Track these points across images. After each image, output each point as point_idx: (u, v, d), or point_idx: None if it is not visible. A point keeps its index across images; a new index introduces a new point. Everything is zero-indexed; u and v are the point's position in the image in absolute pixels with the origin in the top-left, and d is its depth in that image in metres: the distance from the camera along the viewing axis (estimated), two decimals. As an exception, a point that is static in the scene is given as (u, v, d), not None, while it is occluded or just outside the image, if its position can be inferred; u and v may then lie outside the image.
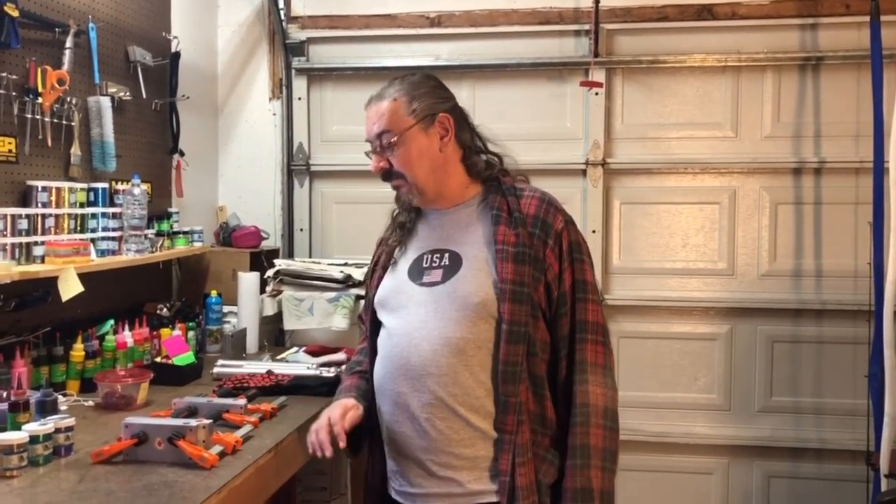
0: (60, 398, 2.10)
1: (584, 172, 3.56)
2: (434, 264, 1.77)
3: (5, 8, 2.18)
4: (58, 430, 1.79)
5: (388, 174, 1.79)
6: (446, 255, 1.77)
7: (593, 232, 3.53)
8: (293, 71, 3.74)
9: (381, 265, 1.88)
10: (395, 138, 1.74)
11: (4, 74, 2.27)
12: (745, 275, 3.52)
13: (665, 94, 3.54)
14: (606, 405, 1.69)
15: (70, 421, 1.84)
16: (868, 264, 3.08)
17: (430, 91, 1.79)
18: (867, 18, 3.14)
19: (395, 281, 1.81)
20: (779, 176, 3.48)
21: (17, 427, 1.78)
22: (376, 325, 1.85)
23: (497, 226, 1.73)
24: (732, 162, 3.50)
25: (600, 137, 3.54)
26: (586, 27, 3.48)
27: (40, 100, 2.40)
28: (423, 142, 1.75)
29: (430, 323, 1.72)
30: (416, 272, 1.78)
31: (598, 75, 3.46)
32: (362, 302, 3.07)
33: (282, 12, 3.70)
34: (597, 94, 3.49)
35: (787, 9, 3.40)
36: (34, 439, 1.72)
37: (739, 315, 3.51)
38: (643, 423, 3.55)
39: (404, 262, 1.82)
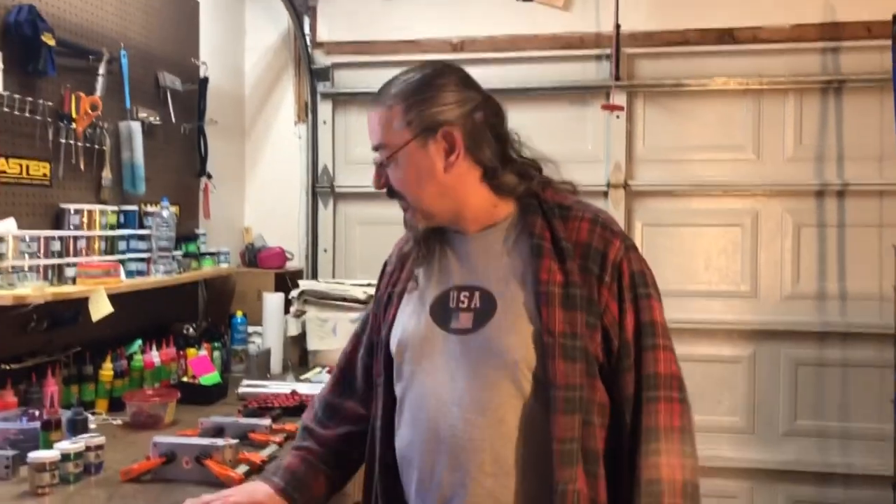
0: (90, 417, 2.15)
1: (605, 194, 3.58)
2: (462, 305, 1.38)
3: (43, 37, 2.25)
4: (88, 449, 1.83)
5: (390, 192, 1.43)
6: (476, 293, 1.38)
7: (615, 254, 3.54)
8: (318, 95, 3.81)
9: (397, 292, 1.48)
10: (387, 154, 1.39)
11: (41, 101, 2.34)
12: (768, 297, 3.51)
13: (687, 116, 3.56)
14: (685, 478, 1.31)
15: (100, 439, 1.88)
16: (893, 287, 3.06)
17: (433, 96, 1.37)
18: (889, 42, 3.15)
19: (418, 322, 1.41)
20: (801, 198, 3.48)
21: (49, 445, 1.83)
22: (390, 370, 1.46)
23: (539, 259, 1.34)
24: (755, 184, 3.50)
25: (622, 159, 3.56)
26: (607, 52, 3.51)
27: (74, 125, 2.47)
28: (422, 161, 1.36)
29: (461, 383, 1.35)
30: (442, 313, 1.39)
31: (620, 98, 3.49)
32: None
33: (307, 38, 3.78)
34: (618, 116, 3.52)
35: (808, 33, 3.41)
36: (66, 457, 1.77)
37: (763, 338, 3.50)
38: (666, 446, 3.53)
39: (426, 298, 1.42)
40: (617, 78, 3.48)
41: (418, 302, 1.43)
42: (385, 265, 1.56)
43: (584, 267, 1.34)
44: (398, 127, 1.37)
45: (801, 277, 3.49)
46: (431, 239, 1.45)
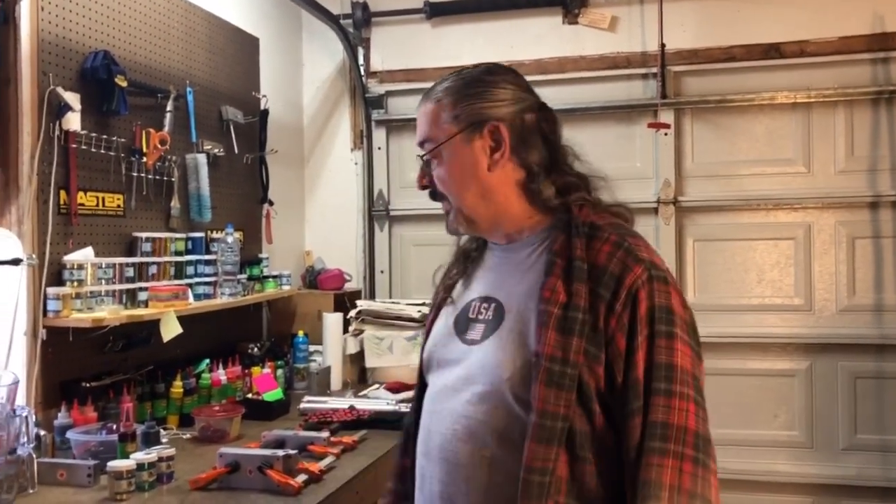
0: (162, 431, 2.29)
1: (655, 211, 3.62)
2: (479, 316, 1.34)
3: (116, 80, 2.44)
4: (160, 459, 1.97)
5: (433, 193, 1.39)
6: (493, 305, 1.32)
7: (666, 269, 3.57)
8: (373, 122, 3.96)
9: (437, 303, 1.47)
10: (436, 150, 1.34)
11: (114, 138, 2.52)
12: (823, 310, 3.49)
13: (735, 131, 3.58)
14: None
15: (171, 451, 2.02)
16: (948, 298, 3.02)
17: (483, 91, 1.33)
18: (939, 50, 3.13)
19: (444, 331, 1.40)
20: (855, 210, 3.46)
21: (126, 456, 1.97)
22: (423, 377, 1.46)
23: (548, 276, 1.25)
24: (806, 197, 3.49)
25: (671, 176, 3.59)
26: (653, 70, 3.56)
27: (145, 159, 2.65)
28: (466, 156, 1.32)
29: (459, 393, 1.30)
30: (463, 323, 1.36)
31: (666, 116, 3.54)
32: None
33: (361, 68, 3.93)
34: (666, 134, 3.56)
35: (856, 44, 3.40)
36: (140, 467, 1.91)
37: (819, 351, 3.48)
38: (723, 461, 3.49)
39: (456, 307, 1.40)
40: (664, 96, 3.53)
41: (451, 312, 1.40)
42: (444, 273, 1.50)
43: (594, 291, 1.21)
44: (446, 121, 1.33)
45: (857, 290, 3.46)
46: (471, 252, 1.44)
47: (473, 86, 1.34)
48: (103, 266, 2.42)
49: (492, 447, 1.24)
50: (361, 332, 3.32)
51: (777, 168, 3.54)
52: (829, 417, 3.47)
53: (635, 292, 1.20)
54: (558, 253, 1.26)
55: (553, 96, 3.61)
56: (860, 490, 3.42)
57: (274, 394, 2.77)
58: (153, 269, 2.65)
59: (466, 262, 1.45)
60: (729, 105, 3.55)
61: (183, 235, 2.83)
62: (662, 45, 3.48)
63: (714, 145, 3.60)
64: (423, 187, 1.40)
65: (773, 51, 3.48)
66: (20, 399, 2.03)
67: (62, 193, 2.34)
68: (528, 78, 3.95)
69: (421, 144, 1.38)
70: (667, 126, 3.50)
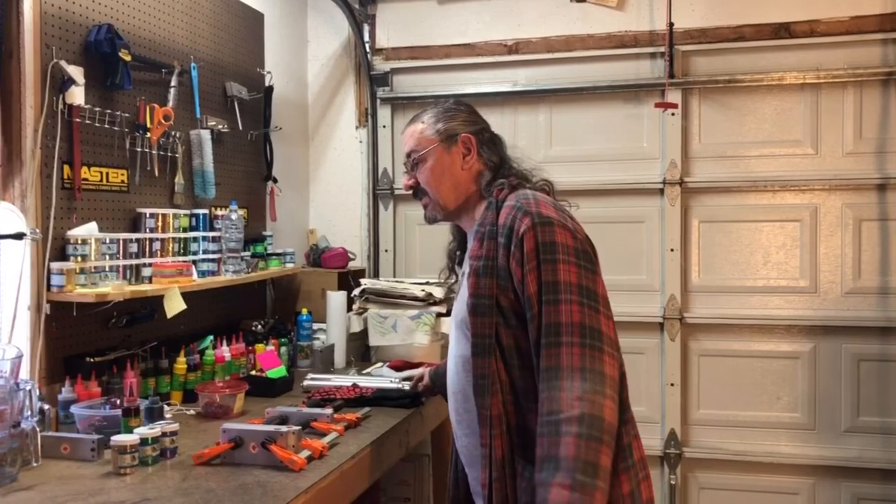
0: (165, 407, 2.29)
1: (661, 191, 3.60)
2: (459, 286, 1.88)
3: (120, 53, 2.42)
4: (164, 434, 1.97)
5: (416, 192, 1.90)
6: (463, 276, 1.86)
7: (671, 250, 3.56)
8: (378, 100, 3.93)
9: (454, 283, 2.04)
10: (419, 156, 1.86)
11: (118, 113, 2.51)
12: (828, 292, 3.48)
13: (742, 112, 3.55)
14: (583, 412, 1.47)
15: (175, 426, 2.02)
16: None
17: (456, 114, 1.88)
18: (951, 31, 3.09)
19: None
20: (862, 192, 3.44)
21: (130, 430, 1.98)
22: None
23: (473, 241, 1.75)
24: (813, 179, 3.47)
25: (677, 157, 3.57)
26: (661, 49, 3.53)
27: (148, 135, 2.64)
28: (445, 159, 1.84)
29: (452, 343, 1.84)
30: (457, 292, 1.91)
31: (674, 96, 3.51)
32: (443, 319, 3.22)
33: (367, 45, 3.90)
34: (673, 114, 3.53)
35: (867, 24, 3.37)
36: (144, 441, 1.91)
37: (823, 333, 3.47)
38: (724, 442, 3.55)
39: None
40: (671, 75, 3.50)
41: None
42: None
43: (498, 242, 1.67)
44: (429, 135, 1.86)
45: (863, 272, 3.44)
46: (455, 251, 1.99)
47: (449, 111, 1.89)
48: (107, 241, 2.41)
49: (469, 371, 1.68)
50: (365, 310, 3.32)
51: (784, 149, 3.52)
52: (831, 399, 3.47)
53: (522, 235, 1.62)
54: (479, 224, 1.75)
55: (560, 74, 3.71)
56: (861, 472, 3.43)
57: (277, 371, 2.77)
58: (157, 246, 2.65)
59: (452, 260, 1.99)
60: (737, 85, 3.53)
61: (187, 212, 2.82)
62: (671, 24, 3.45)
63: (721, 126, 3.57)
64: (409, 187, 1.90)
65: (782, 30, 3.45)
66: (24, 373, 2.04)
67: (66, 168, 2.33)
68: (536, 56, 3.98)
69: (408, 155, 1.89)
70: (674, 106, 3.48)
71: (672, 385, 3.54)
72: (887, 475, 3.40)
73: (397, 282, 3.49)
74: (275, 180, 3.52)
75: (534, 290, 1.59)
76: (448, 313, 3.25)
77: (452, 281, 2.02)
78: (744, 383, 3.55)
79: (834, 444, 3.46)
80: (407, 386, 2.61)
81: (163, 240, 2.67)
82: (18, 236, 2.13)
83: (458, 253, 1.99)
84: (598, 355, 1.53)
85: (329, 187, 4.02)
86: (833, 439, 3.46)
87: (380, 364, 3.13)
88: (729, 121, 3.57)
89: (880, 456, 3.40)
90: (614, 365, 1.55)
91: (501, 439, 1.62)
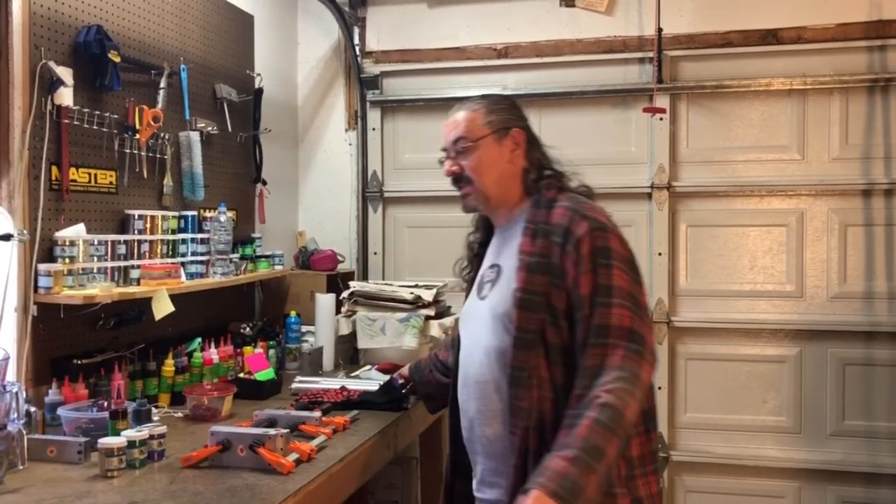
0: (153, 409, 2.29)
1: (649, 196, 3.62)
2: (488, 279, 1.86)
3: (109, 55, 2.41)
4: (152, 437, 1.97)
5: (458, 178, 1.88)
6: (495, 268, 1.86)
7: (659, 254, 3.58)
8: (368, 103, 3.94)
9: (466, 286, 2.02)
10: (469, 144, 1.84)
11: (107, 114, 2.50)
12: (814, 297, 3.50)
13: (730, 117, 3.58)
14: (606, 401, 1.54)
15: (162, 429, 2.01)
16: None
17: (507, 108, 1.90)
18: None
19: (470, 298, 1.94)
20: (848, 198, 3.47)
21: (117, 433, 1.97)
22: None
23: (523, 237, 1.77)
24: (800, 184, 3.50)
25: (665, 161, 3.59)
26: (650, 55, 3.55)
27: (137, 136, 2.63)
28: (494, 151, 1.84)
29: (479, 334, 1.83)
30: (479, 287, 1.89)
31: (662, 101, 3.53)
32: (431, 322, 3.22)
33: (357, 48, 3.91)
34: (661, 119, 3.55)
35: (853, 31, 3.40)
36: (132, 444, 1.91)
37: (809, 337, 3.50)
38: (711, 445, 3.57)
39: (476, 280, 1.94)
40: (660, 81, 3.52)
41: (472, 288, 1.95)
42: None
43: (552, 241, 1.72)
44: (481, 124, 1.85)
45: (848, 277, 3.47)
46: (476, 243, 1.99)
47: (500, 103, 1.91)
48: (95, 243, 2.41)
49: (505, 362, 1.73)
50: (354, 313, 3.31)
51: (771, 155, 3.54)
52: (817, 403, 3.50)
53: (580, 239, 1.68)
54: (529, 221, 1.79)
55: (549, 79, 3.72)
56: (846, 475, 3.45)
57: (266, 373, 2.77)
58: (145, 247, 2.64)
59: (471, 251, 1.99)
60: (725, 91, 3.55)
61: (176, 214, 2.82)
62: (659, 30, 3.47)
63: (709, 131, 3.60)
64: (452, 174, 1.88)
65: (770, 37, 3.47)
66: (10, 375, 2.03)
67: (54, 169, 2.32)
68: (525, 61, 3.99)
69: (455, 142, 1.87)
70: (662, 111, 3.50)
71: (659, 388, 3.56)
72: (871, 479, 3.43)
73: (386, 284, 3.49)
74: (264, 182, 3.51)
75: (587, 292, 1.64)
76: (438, 315, 3.25)
77: (468, 271, 2.01)
78: (730, 387, 3.57)
79: (819, 448, 3.48)
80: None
81: (151, 241, 2.67)
82: (6, 237, 2.12)
83: (478, 245, 1.99)
84: (639, 360, 1.60)
85: (318, 190, 4.02)
86: (818, 443, 3.49)
87: (368, 367, 3.13)
88: (716, 126, 3.59)
89: (865, 459, 3.43)
90: (650, 374, 1.63)
91: (532, 432, 1.66)
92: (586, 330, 1.63)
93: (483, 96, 1.94)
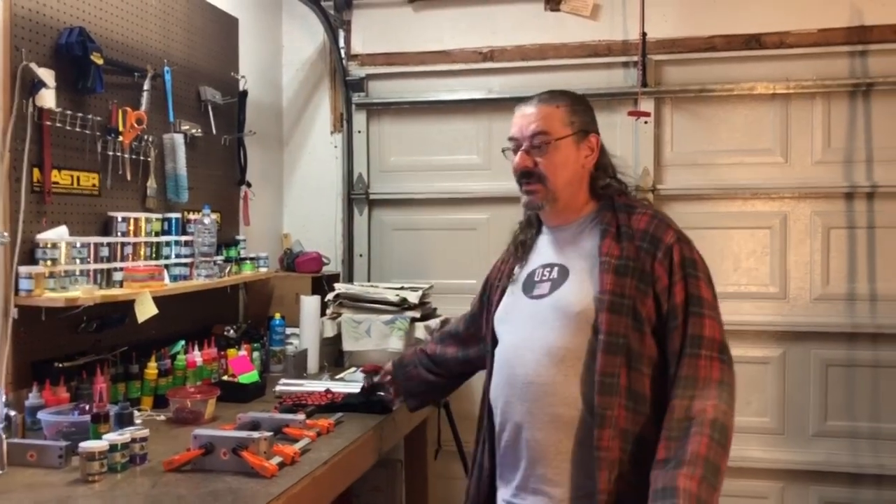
0: (136, 412, 2.28)
1: (634, 199, 3.63)
2: (544, 277, 1.81)
3: (92, 57, 2.40)
4: (134, 440, 1.96)
5: (527, 174, 1.81)
6: (556, 268, 1.80)
7: (643, 257, 3.59)
8: (353, 106, 3.93)
9: (500, 285, 1.94)
10: (550, 141, 1.78)
11: (90, 116, 2.49)
12: (797, 298, 3.53)
13: (714, 121, 3.60)
14: (716, 417, 1.54)
15: (144, 432, 2.00)
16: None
17: (588, 110, 1.87)
18: (916, 44, 3.16)
19: (513, 297, 1.87)
20: (830, 201, 3.49)
21: (98, 436, 1.96)
22: (496, 340, 1.90)
23: (603, 239, 1.73)
24: (783, 187, 3.52)
25: (650, 164, 3.61)
26: (634, 59, 3.57)
27: (121, 138, 2.62)
28: (572, 153, 1.80)
29: (534, 333, 1.75)
30: (529, 286, 1.83)
31: (647, 105, 3.55)
32: (417, 324, 3.21)
33: (342, 51, 3.90)
34: (645, 122, 3.57)
35: (835, 36, 3.43)
36: (113, 448, 1.89)
37: (792, 339, 3.52)
38: (696, 447, 3.57)
39: (521, 278, 1.87)
40: (644, 85, 3.53)
41: (514, 286, 1.88)
42: (499, 262, 2.04)
43: (640, 247, 1.70)
44: (563, 122, 1.80)
45: (831, 279, 3.50)
46: (526, 240, 1.92)
47: (581, 103, 1.87)
48: (77, 245, 2.39)
49: (570, 365, 1.69)
50: (339, 315, 3.31)
51: (755, 158, 3.57)
52: (800, 404, 3.52)
53: (670, 247, 1.69)
54: (609, 223, 1.76)
55: (534, 83, 3.72)
56: (829, 476, 3.47)
57: (250, 376, 2.76)
58: (128, 250, 2.63)
59: (523, 248, 1.92)
60: (709, 95, 3.57)
61: (159, 216, 2.80)
62: (644, 34, 3.49)
63: (693, 134, 3.62)
64: (525, 167, 1.80)
65: (753, 41, 3.50)
66: (-9, 379, 2.01)
67: (35, 171, 2.31)
68: (510, 64, 3.99)
69: (533, 136, 1.79)
70: (647, 114, 3.51)
71: (644, 390, 3.56)
72: (854, 479, 3.45)
73: (371, 286, 3.49)
74: (248, 184, 3.50)
75: (680, 301, 1.65)
76: (424, 318, 3.25)
77: (513, 266, 1.92)
78: (714, 389, 3.58)
79: (802, 449, 3.51)
80: (381, 393, 2.59)
81: (134, 244, 2.65)
82: (-14, 240, 2.11)
83: (525, 242, 1.92)
84: (731, 371, 1.63)
85: (303, 192, 4.01)
86: (801, 444, 3.51)
87: (353, 369, 3.13)
88: (701, 129, 3.61)
89: (847, 460, 3.45)
90: (735, 384, 1.64)
91: (619, 441, 1.62)
92: (681, 338, 1.63)
93: (562, 92, 1.87)
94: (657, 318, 1.66)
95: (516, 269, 1.90)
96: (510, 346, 1.82)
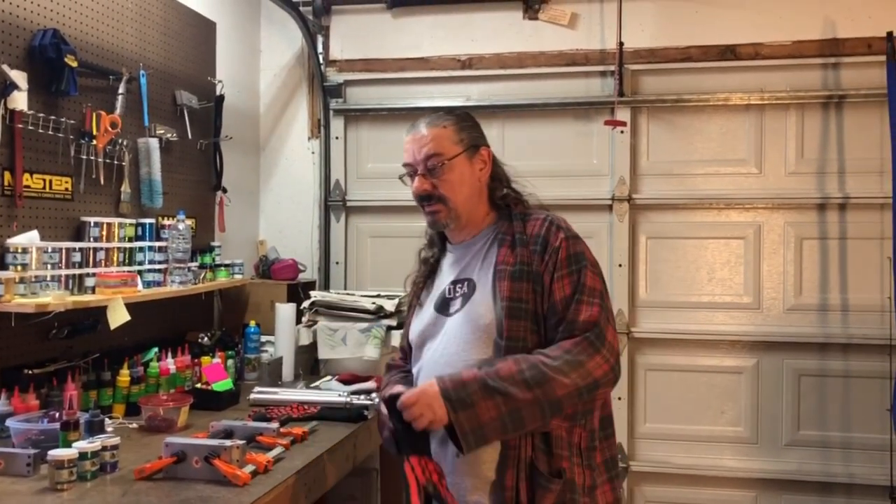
0: (107, 420, 2.24)
1: (610, 208, 3.65)
2: (456, 294, 1.84)
3: (66, 59, 2.37)
4: (104, 448, 1.93)
5: (428, 197, 1.83)
6: (466, 283, 1.83)
7: (619, 266, 3.62)
8: (331, 112, 3.92)
9: (413, 304, 1.97)
10: (444, 163, 1.80)
11: (63, 119, 2.46)
12: (770, 309, 3.56)
13: (689, 131, 3.63)
14: (539, 361, 1.63)
15: (115, 440, 1.97)
16: (888, 298, 3.10)
17: (474, 125, 1.89)
18: (887, 58, 3.21)
19: (425, 317, 1.89)
20: (803, 211, 3.53)
21: (68, 444, 1.92)
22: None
23: (500, 248, 1.79)
24: (757, 197, 3.56)
25: (626, 174, 3.63)
26: (611, 68, 3.59)
27: (94, 142, 2.59)
28: (466, 169, 1.82)
29: (450, 348, 1.79)
30: (443, 304, 1.85)
31: (623, 114, 3.57)
32: (393, 332, 3.20)
33: (320, 56, 3.90)
34: (622, 132, 3.59)
35: (809, 49, 3.48)
36: (83, 456, 1.86)
37: (766, 349, 3.55)
38: (670, 456, 3.60)
39: (431, 299, 1.89)
40: (621, 94, 3.56)
41: (426, 302, 1.91)
42: (412, 282, 2.02)
43: (533, 250, 1.77)
44: (453, 141, 1.83)
45: (804, 289, 3.54)
46: (430, 258, 1.95)
47: (467, 119, 1.90)
48: (49, 250, 2.36)
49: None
50: (314, 323, 3.29)
51: (730, 168, 3.60)
52: (773, 414, 3.55)
53: (558, 247, 1.76)
54: (505, 233, 1.83)
55: (512, 91, 3.74)
56: (801, 485, 3.51)
57: (223, 384, 2.73)
58: (101, 255, 2.59)
59: (426, 266, 1.95)
60: (684, 105, 3.61)
61: (133, 221, 2.78)
62: (621, 44, 3.52)
63: (669, 144, 3.65)
64: (424, 191, 1.83)
65: (728, 52, 3.54)
66: (-42, 385, 1.97)
67: (6, 175, 2.28)
68: (488, 72, 4.01)
69: (426, 159, 1.81)
70: (623, 124, 3.54)
71: (619, 399, 3.58)
72: (825, 488, 3.48)
73: (348, 294, 3.48)
74: (224, 190, 3.48)
75: (563, 295, 1.72)
76: (400, 326, 3.24)
77: (422, 286, 1.95)
78: (689, 397, 3.61)
79: (775, 458, 3.54)
80: (356, 400, 2.58)
81: (107, 249, 2.62)
82: (-45, 244, 2.07)
83: (428, 261, 1.95)
84: (591, 352, 1.67)
85: (280, 198, 3.99)
86: (774, 453, 3.54)
87: (329, 377, 3.11)
88: (676, 139, 3.64)
89: (818, 469, 3.49)
90: (603, 370, 1.68)
91: (530, 440, 1.68)
92: (557, 324, 1.71)
93: (447, 111, 1.91)
94: (546, 316, 1.74)
95: (424, 292, 1.94)
96: (430, 363, 1.84)
